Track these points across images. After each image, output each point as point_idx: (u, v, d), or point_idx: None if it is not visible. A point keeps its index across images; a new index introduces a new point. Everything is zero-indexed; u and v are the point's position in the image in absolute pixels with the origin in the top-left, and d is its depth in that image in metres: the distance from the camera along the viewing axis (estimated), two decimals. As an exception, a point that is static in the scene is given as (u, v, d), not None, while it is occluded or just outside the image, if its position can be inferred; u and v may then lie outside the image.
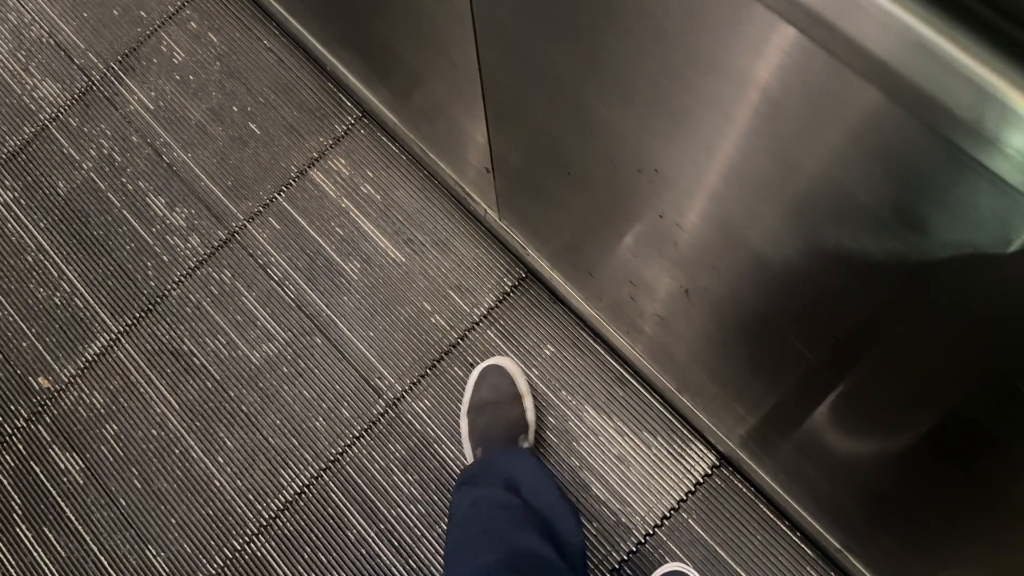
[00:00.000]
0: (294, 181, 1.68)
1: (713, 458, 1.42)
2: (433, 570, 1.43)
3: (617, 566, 1.39)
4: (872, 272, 0.71)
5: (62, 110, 1.79)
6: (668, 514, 1.40)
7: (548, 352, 1.51)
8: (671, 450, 1.43)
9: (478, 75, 1.04)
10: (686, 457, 1.43)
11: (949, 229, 0.59)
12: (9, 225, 1.74)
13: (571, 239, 1.25)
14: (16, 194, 1.75)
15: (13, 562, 1.53)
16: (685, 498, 1.41)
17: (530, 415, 1.41)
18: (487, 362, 1.45)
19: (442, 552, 1.43)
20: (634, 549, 1.39)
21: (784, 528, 1.36)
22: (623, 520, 1.41)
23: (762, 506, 1.38)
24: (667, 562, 1.37)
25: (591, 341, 1.51)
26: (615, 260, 1.13)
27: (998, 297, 0.61)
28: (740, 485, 1.40)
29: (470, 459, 1.41)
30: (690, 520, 1.39)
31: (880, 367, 0.87)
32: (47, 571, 1.52)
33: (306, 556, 1.46)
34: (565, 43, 0.80)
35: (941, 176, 0.55)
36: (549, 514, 1.11)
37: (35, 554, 1.53)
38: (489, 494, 1.14)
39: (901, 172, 0.58)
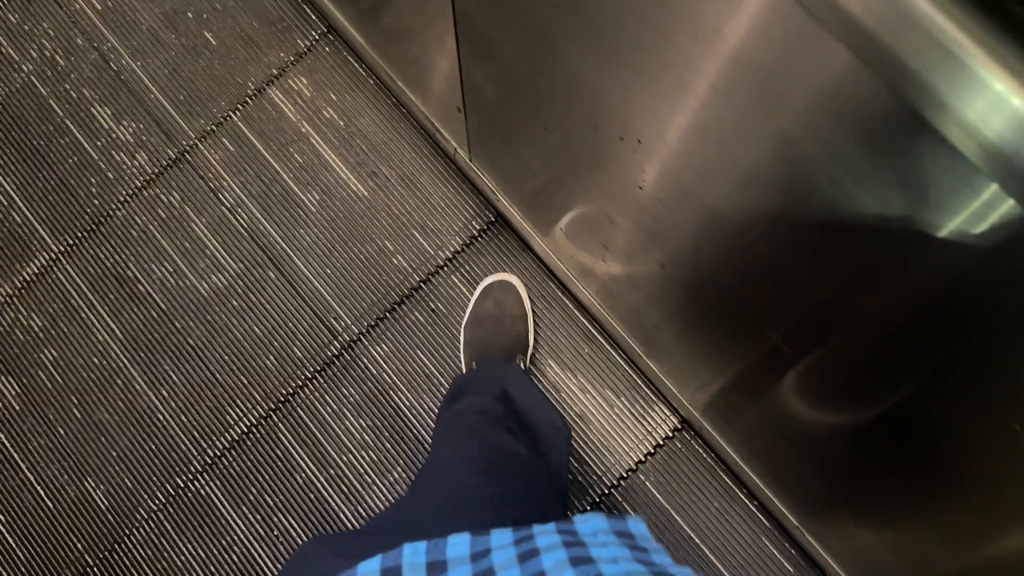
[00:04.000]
0: (251, 99, 1.56)
1: (675, 421, 1.38)
2: (382, 519, 1.39)
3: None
4: (840, 253, 0.66)
5: (1, 5, 1.64)
6: (626, 475, 1.37)
7: (513, 301, 1.45)
8: (633, 411, 1.39)
9: (451, 7, 0.94)
10: (648, 419, 1.39)
11: (907, 203, 0.54)
12: (-60, 128, 1.60)
13: (544, 192, 1.16)
14: (-53, 94, 1.61)
15: (-56, 487, 1.47)
16: (644, 460, 1.37)
17: (531, 336, 1.38)
18: (494, 276, 1.40)
19: (392, 500, 1.39)
20: (588, 509, 1.36)
21: (742, 496, 1.34)
22: (579, 479, 1.38)
23: (721, 473, 1.35)
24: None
25: (559, 294, 1.44)
26: (589, 222, 1.06)
27: (948, 284, 0.57)
28: (701, 451, 1.37)
29: (465, 370, 1.38)
30: (647, 483, 1.36)
31: (842, 351, 0.83)
32: (-20, 498, 1.46)
33: (252, 497, 1.42)
34: (548, -10, 0.71)
35: (902, 142, 0.49)
36: (539, 431, 1.07)
37: (-32, 480, 1.47)
38: (479, 401, 1.08)
39: (866, 138, 0.52)
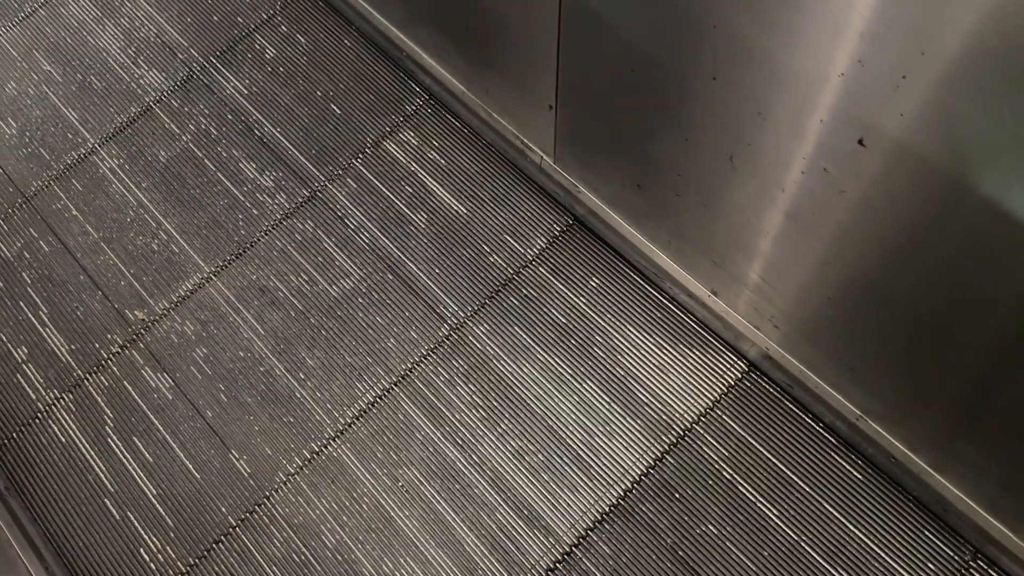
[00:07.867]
0: (369, 150, 1.94)
1: (743, 366, 1.61)
2: (494, 463, 1.59)
3: (660, 455, 1.56)
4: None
5: (165, 94, 2.07)
6: (704, 412, 1.58)
7: (594, 284, 1.73)
8: (706, 360, 1.63)
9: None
10: (719, 364, 1.62)
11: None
12: (114, 186, 1.97)
13: (640, 157, 1.49)
14: (121, 161, 1.99)
15: (103, 467, 1.68)
16: (719, 399, 1.59)
17: None
18: None
19: (501, 448, 1.59)
20: (675, 441, 1.56)
21: (808, 420, 1.55)
22: (664, 418, 1.59)
23: (788, 403, 1.57)
24: (705, 453, 1.53)
25: (631, 274, 1.73)
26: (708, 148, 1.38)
27: None
28: (767, 387, 1.59)
29: None
30: (724, 416, 1.57)
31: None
32: (135, 474, 1.66)
33: (379, 455, 1.62)
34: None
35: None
36: None
37: (124, 460, 1.68)
38: None
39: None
